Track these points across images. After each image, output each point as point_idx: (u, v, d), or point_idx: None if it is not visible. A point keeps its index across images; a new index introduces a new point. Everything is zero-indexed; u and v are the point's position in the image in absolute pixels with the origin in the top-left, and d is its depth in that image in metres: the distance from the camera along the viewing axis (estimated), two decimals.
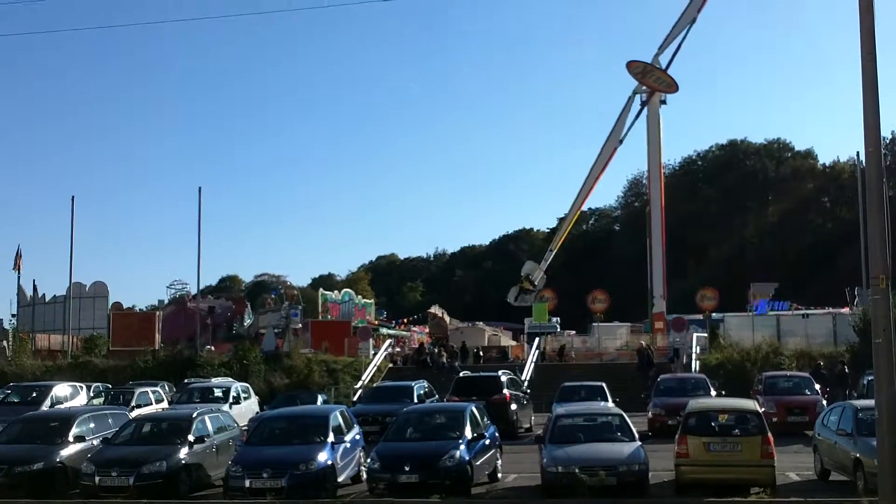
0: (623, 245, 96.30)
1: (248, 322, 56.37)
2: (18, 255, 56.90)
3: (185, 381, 39.46)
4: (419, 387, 33.75)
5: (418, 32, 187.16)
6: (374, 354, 49.08)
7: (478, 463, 19.91)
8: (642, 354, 44.17)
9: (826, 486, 20.30)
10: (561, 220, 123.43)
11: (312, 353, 48.57)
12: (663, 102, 54.93)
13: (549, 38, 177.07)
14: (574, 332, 63.10)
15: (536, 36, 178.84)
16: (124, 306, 67.96)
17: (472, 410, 21.58)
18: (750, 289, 54.21)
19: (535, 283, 55.49)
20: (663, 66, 54.31)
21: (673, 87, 54.37)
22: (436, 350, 51.56)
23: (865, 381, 29.70)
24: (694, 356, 43.98)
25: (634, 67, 54.31)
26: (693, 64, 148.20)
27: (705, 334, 48.37)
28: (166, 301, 72.46)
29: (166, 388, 38.19)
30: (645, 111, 54.73)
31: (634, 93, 55.26)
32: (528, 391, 37.12)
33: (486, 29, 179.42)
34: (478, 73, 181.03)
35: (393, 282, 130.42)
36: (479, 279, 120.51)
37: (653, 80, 54.09)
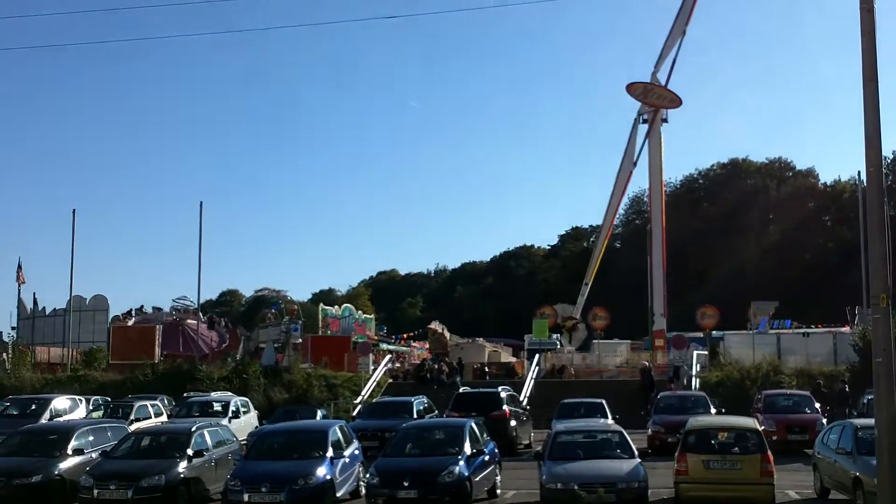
0: (624, 262, 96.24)
1: (238, 357, 56.32)
2: (20, 268, 57.03)
3: (185, 395, 39.44)
4: (419, 402, 33.76)
5: (418, 48, 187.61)
6: (374, 370, 49.05)
7: (477, 479, 19.88)
8: (645, 374, 43.78)
9: None
10: (562, 238, 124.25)
11: (312, 368, 48.52)
12: (665, 121, 55.15)
13: (550, 54, 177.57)
14: (574, 348, 62.96)
15: (537, 52, 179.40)
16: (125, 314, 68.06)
17: (471, 426, 21.58)
18: (750, 307, 54.13)
19: (578, 317, 55.44)
20: (662, 82, 54.58)
21: (676, 101, 54.65)
22: (435, 366, 51.48)
23: (865, 400, 29.69)
24: (694, 374, 43.93)
25: (635, 89, 54.62)
26: (695, 83, 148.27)
27: (705, 352, 48.32)
28: (167, 310, 72.16)
29: (165, 401, 38.15)
30: (646, 130, 54.94)
31: (639, 114, 55.50)
32: (528, 407, 37.11)
33: (485, 46, 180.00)
34: (478, 89, 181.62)
35: (393, 297, 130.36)
36: (479, 295, 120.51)
37: (655, 98, 54.38)
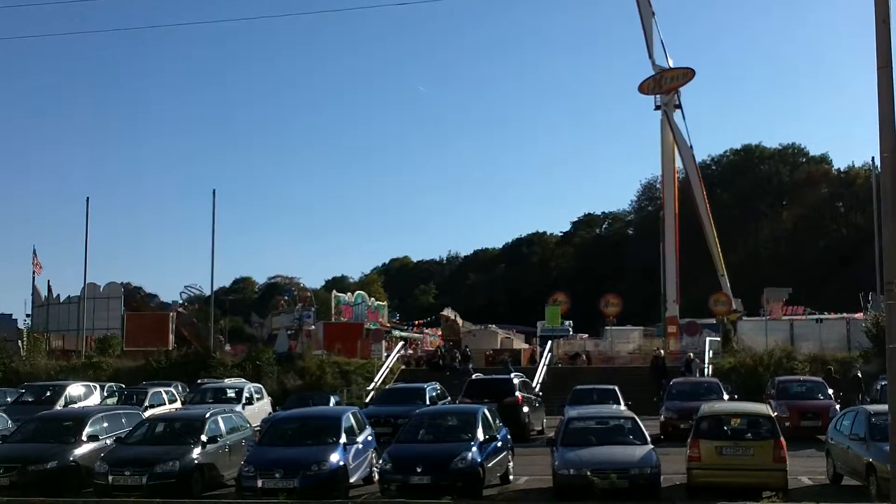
0: (636, 249, 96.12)
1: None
2: (36, 260, 57.27)
3: (199, 381, 39.62)
4: (431, 389, 33.76)
5: (429, 33, 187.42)
6: (387, 356, 49.12)
7: (490, 465, 19.92)
8: (657, 362, 42.87)
9: (838, 490, 20.28)
10: (575, 225, 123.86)
11: (325, 355, 48.64)
12: (677, 107, 54.91)
13: (563, 39, 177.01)
14: (587, 335, 62.99)
15: (549, 37, 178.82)
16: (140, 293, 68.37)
17: (484, 413, 21.61)
18: (763, 294, 54.03)
19: (737, 307, 54.70)
20: (666, 65, 54.39)
21: (689, 73, 54.56)
22: (447, 353, 51.45)
23: (879, 386, 29.64)
24: (707, 360, 43.84)
25: (647, 87, 54.37)
26: (708, 69, 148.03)
27: (718, 338, 48.27)
28: (179, 303, 72.31)
29: (179, 388, 38.32)
30: (660, 116, 54.75)
31: (661, 104, 55.07)
32: (540, 394, 37.12)
33: (497, 30, 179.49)
34: (490, 75, 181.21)
35: (406, 284, 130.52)
36: (491, 282, 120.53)
37: (669, 83, 54.17)
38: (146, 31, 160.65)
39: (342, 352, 49.97)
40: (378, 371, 46.15)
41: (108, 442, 22.05)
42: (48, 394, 33.96)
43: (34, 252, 57.49)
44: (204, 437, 21.00)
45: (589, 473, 18.12)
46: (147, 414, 26.92)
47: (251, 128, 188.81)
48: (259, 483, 18.97)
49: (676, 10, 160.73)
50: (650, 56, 54.64)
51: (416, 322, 74.54)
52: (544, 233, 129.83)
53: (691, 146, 55.85)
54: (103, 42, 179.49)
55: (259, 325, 68.37)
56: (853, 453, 19.38)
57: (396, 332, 64.69)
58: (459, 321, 69.26)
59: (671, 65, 54.65)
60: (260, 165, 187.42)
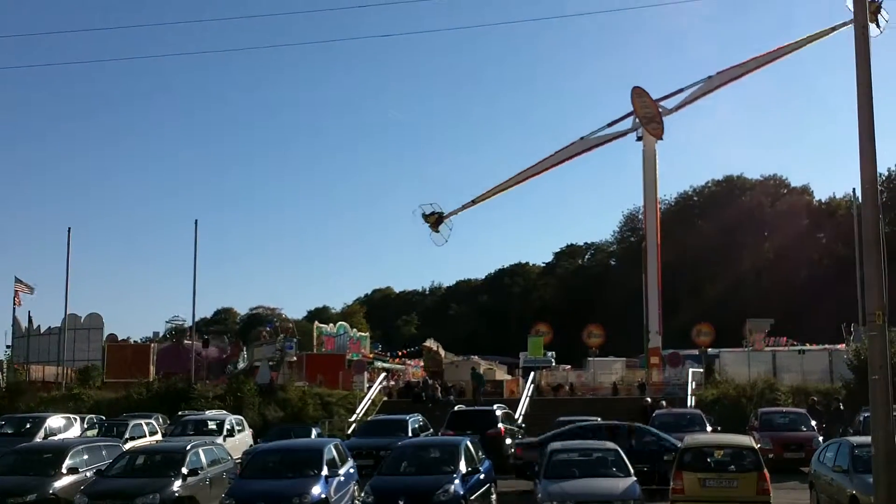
0: (619, 280, 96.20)
1: (241, 365, 55.95)
2: (17, 286, 56.72)
3: (180, 413, 39.42)
4: (414, 420, 33.67)
5: (408, 60, 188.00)
6: (369, 388, 48.94)
7: (472, 497, 19.82)
8: (646, 410, 39.34)
9: None
10: (557, 255, 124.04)
11: (307, 386, 48.44)
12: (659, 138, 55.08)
13: (543, 69, 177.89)
14: (569, 366, 62.93)
15: (530, 67, 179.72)
16: (119, 338, 67.64)
17: (466, 444, 21.53)
18: (746, 324, 54.08)
19: None
20: (634, 118, 54.69)
21: (640, 92, 54.30)
22: (426, 385, 51.27)
23: (862, 418, 29.66)
24: (689, 392, 43.77)
25: (654, 132, 54.29)
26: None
27: (701, 370, 48.23)
28: (161, 333, 72.04)
29: (160, 420, 38.14)
30: (641, 147, 54.93)
31: (637, 135, 55.24)
32: (523, 425, 37.00)
33: (477, 60, 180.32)
34: (471, 104, 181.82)
35: (388, 315, 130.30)
36: (474, 313, 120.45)
37: (651, 111, 54.17)
38: (127, 61, 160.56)
39: (324, 383, 49.79)
40: (360, 402, 45.99)
41: (88, 474, 21.86)
42: (28, 426, 33.63)
43: (17, 281, 56.98)
44: (185, 470, 20.81)
45: None
46: (128, 446, 26.74)
47: (233, 157, 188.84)
48: None
49: (658, 41, 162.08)
50: (625, 135, 55.27)
51: (399, 353, 74.41)
52: (526, 263, 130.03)
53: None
54: (85, 71, 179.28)
55: (249, 347, 68.04)
56: (837, 485, 19.34)
57: (379, 363, 64.52)
58: (442, 352, 69.12)
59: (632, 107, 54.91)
60: (242, 195, 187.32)
